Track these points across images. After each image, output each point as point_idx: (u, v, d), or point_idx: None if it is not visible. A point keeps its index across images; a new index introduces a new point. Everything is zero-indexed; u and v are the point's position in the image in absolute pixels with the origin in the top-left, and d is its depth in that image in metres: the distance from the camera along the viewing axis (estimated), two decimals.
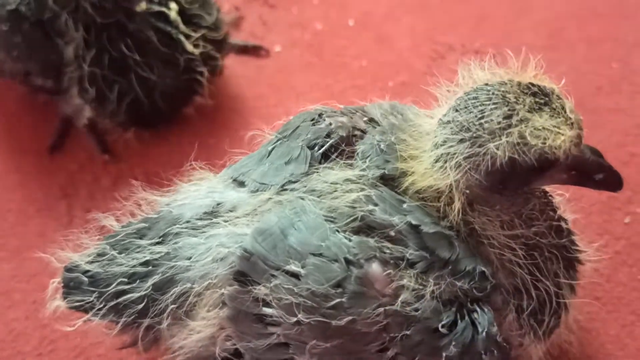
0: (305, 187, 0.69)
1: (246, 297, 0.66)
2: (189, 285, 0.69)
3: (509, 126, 0.61)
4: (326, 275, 0.63)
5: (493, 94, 0.64)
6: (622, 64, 1.09)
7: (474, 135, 0.62)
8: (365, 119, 0.74)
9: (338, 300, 0.63)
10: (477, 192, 0.65)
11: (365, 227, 0.65)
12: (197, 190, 0.74)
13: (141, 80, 0.91)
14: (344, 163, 0.70)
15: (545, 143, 0.61)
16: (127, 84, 0.92)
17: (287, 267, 0.64)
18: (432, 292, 0.64)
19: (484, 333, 0.64)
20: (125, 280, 0.71)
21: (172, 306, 0.70)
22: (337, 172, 0.69)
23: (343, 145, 0.71)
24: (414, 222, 0.65)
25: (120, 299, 0.71)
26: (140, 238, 0.73)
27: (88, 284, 0.73)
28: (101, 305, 0.72)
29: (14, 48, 0.93)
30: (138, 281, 0.71)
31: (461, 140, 0.63)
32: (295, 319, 0.64)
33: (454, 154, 0.63)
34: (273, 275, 0.65)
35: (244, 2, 1.20)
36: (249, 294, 0.66)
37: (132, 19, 0.90)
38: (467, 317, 0.65)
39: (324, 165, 0.70)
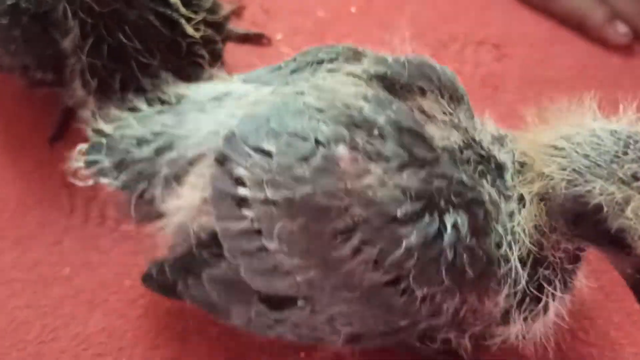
0: (305, 84, 0.72)
1: (226, 177, 0.69)
2: (182, 151, 0.74)
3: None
4: (295, 150, 0.66)
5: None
6: None
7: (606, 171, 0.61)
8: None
9: (301, 172, 0.65)
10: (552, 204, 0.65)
11: (350, 123, 0.67)
12: (213, 82, 0.82)
13: (143, 67, 0.91)
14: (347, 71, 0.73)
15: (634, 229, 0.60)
16: (130, 73, 0.91)
17: (262, 145, 0.67)
18: (399, 185, 0.64)
19: (453, 232, 0.64)
20: (134, 142, 0.77)
21: (165, 170, 0.74)
22: (342, 70, 0.72)
23: (352, 59, 0.75)
24: (394, 118, 0.67)
25: (125, 157, 0.77)
26: (159, 114, 0.80)
27: (103, 144, 0.80)
28: (105, 163, 0.79)
29: (11, 42, 0.92)
30: (144, 145, 0.77)
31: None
32: (264, 196, 0.66)
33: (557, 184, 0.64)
34: (249, 155, 0.67)
35: None
36: (229, 174, 0.69)
37: (130, 5, 0.89)
38: (436, 216, 0.65)
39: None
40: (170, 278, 0.77)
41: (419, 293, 0.66)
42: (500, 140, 0.73)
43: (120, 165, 0.78)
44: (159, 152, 0.76)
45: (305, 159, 0.65)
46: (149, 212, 0.77)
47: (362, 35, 1.13)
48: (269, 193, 0.66)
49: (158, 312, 0.86)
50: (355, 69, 0.72)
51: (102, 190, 0.94)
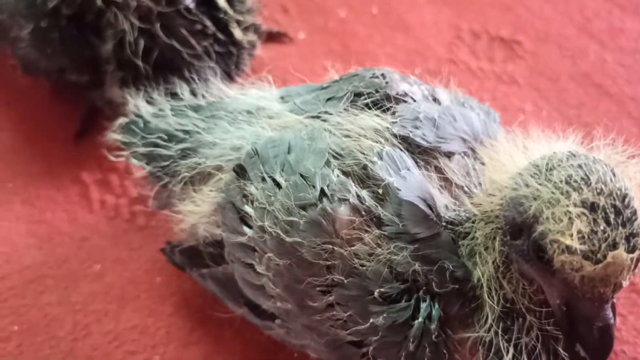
0: (335, 121, 0.71)
1: (237, 190, 0.70)
2: (204, 159, 0.76)
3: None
4: (299, 194, 0.66)
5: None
6: None
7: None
8: (431, 96, 0.74)
9: (296, 219, 0.65)
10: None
11: (363, 176, 0.66)
12: (252, 92, 0.82)
13: (193, 71, 0.91)
14: (375, 114, 0.71)
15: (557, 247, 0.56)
16: (179, 76, 0.90)
17: (275, 176, 0.68)
18: (387, 259, 0.63)
19: (422, 324, 0.62)
20: (165, 137, 0.80)
21: (186, 173, 0.77)
22: (368, 118, 0.71)
23: (385, 102, 0.72)
24: (395, 185, 0.65)
25: (154, 149, 0.80)
26: (195, 111, 0.82)
27: (140, 127, 0.83)
28: (139, 149, 0.82)
29: (49, 45, 0.92)
30: (174, 142, 0.79)
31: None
32: (261, 224, 0.67)
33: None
34: (263, 179, 0.68)
35: None
36: (240, 189, 0.70)
37: (180, 13, 0.89)
38: (412, 303, 0.63)
39: (363, 111, 0.72)
40: (179, 262, 0.82)
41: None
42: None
43: (149, 156, 0.81)
44: (184, 154, 0.78)
45: (304, 207, 0.65)
46: (167, 203, 0.81)
47: (383, 35, 1.14)
48: (267, 223, 0.67)
49: (190, 310, 0.86)
50: (381, 123, 0.70)
51: (131, 188, 0.96)
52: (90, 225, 0.93)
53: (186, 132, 0.80)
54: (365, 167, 0.66)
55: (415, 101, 0.73)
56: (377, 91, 0.73)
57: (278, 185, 0.67)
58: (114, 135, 0.85)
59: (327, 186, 0.65)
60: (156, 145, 0.80)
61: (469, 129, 0.71)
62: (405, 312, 0.63)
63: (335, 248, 0.64)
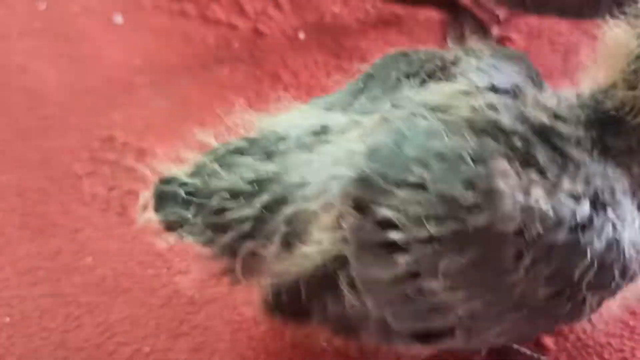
0: (416, 102, 0.64)
1: (368, 224, 0.60)
2: (304, 204, 0.63)
3: None
4: (455, 176, 0.58)
5: None
6: None
7: None
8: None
9: (472, 200, 0.58)
10: None
11: (488, 134, 0.61)
12: (300, 112, 0.69)
13: None
14: (445, 83, 0.66)
15: None
16: None
17: (411, 179, 0.59)
18: (565, 189, 0.60)
19: (626, 230, 0.61)
20: (228, 196, 0.65)
21: (284, 228, 0.64)
22: (446, 86, 0.65)
23: (439, 73, 0.67)
24: (545, 122, 0.62)
25: (221, 216, 0.66)
26: (244, 155, 0.67)
27: (185, 196, 0.67)
28: (198, 221, 0.66)
29: None
30: (243, 199, 0.65)
31: None
32: (425, 234, 0.59)
33: None
34: (395, 193, 0.59)
35: None
36: (371, 219, 0.60)
37: None
38: (603, 213, 0.61)
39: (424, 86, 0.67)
40: (305, 296, 0.65)
41: (588, 298, 0.62)
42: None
43: (216, 227, 0.66)
44: (270, 207, 0.64)
45: (470, 183, 0.58)
46: (254, 270, 0.67)
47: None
48: (432, 229, 0.59)
49: (181, 301, 0.87)
50: (467, 88, 0.65)
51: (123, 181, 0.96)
52: (82, 218, 0.94)
53: (253, 182, 0.66)
54: (484, 127, 0.61)
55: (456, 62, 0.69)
56: (422, 67, 0.68)
57: (419, 185, 0.59)
58: (149, 216, 0.70)
59: (472, 152, 0.59)
60: (221, 210, 0.66)
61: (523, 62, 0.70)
62: (607, 224, 0.61)
63: (521, 204, 0.59)
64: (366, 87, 0.69)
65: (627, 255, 0.61)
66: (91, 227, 0.93)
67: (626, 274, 0.62)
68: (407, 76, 0.67)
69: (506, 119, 0.61)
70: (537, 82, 0.68)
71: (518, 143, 0.61)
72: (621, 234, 0.61)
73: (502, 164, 0.59)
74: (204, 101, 1.06)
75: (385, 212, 0.60)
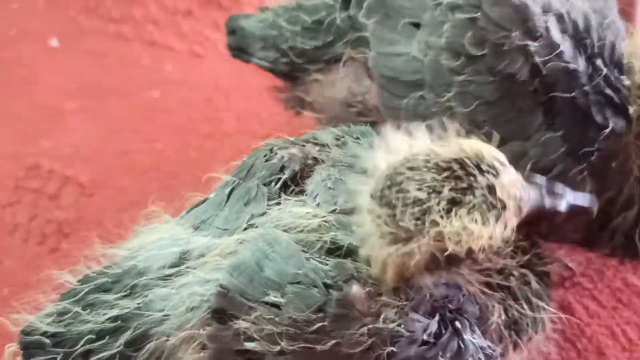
0: (270, 224, 0.68)
1: (226, 334, 0.64)
2: (164, 338, 0.66)
3: (422, 229, 0.58)
4: (306, 301, 0.62)
5: (407, 184, 0.59)
6: None
7: (393, 233, 0.59)
8: (317, 148, 0.73)
9: (320, 324, 0.61)
10: None
11: (335, 250, 0.64)
12: (160, 239, 0.71)
13: None
14: (296, 201, 0.69)
15: (462, 247, 0.58)
16: None
17: (267, 299, 0.63)
18: (410, 306, 0.62)
19: (469, 340, 0.64)
20: (94, 337, 0.67)
21: None
22: (293, 208, 0.68)
23: (298, 178, 0.71)
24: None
25: (88, 359, 0.67)
26: (105, 292, 0.69)
27: (52, 345, 0.68)
28: None
29: None
30: (107, 338, 0.67)
31: (384, 235, 0.60)
32: (278, 348, 0.63)
33: (386, 249, 0.60)
34: (252, 308, 0.63)
35: (199, 5, 1.19)
36: (230, 330, 0.64)
37: None
38: (450, 327, 0.63)
39: (282, 198, 0.69)
40: None
41: None
42: None
43: None
44: (132, 343, 0.66)
45: (319, 310, 0.61)
46: None
47: None
48: (285, 345, 0.62)
49: None
50: (314, 211, 0.68)
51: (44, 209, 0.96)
52: (2, 248, 0.94)
53: (116, 319, 0.67)
54: (333, 242, 0.64)
55: (320, 161, 0.72)
56: (281, 171, 0.71)
57: (274, 305, 0.63)
58: None
59: (325, 277, 0.62)
60: (88, 352, 0.67)
61: None
62: (453, 338, 0.63)
63: (369, 327, 0.61)
64: (229, 198, 0.72)
65: None
66: (11, 258, 0.93)
67: None
68: (268, 183, 0.71)
69: (342, 235, 0.64)
70: None
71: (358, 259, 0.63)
72: (463, 345, 0.64)
73: (357, 290, 0.62)
74: (133, 127, 1.06)
75: (243, 325, 0.63)
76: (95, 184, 1.00)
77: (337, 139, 0.73)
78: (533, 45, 0.68)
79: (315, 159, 0.72)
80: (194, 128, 1.06)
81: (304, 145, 0.73)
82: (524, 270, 0.68)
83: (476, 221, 0.58)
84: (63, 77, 1.12)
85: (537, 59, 0.68)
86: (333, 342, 0.61)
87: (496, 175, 0.59)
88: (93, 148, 1.04)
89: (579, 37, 0.69)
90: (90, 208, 0.97)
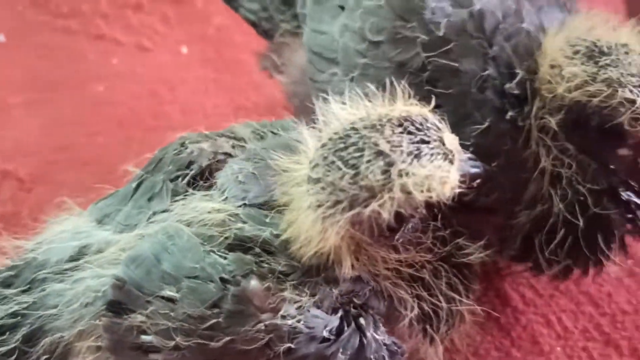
0: (172, 219, 0.66)
1: (121, 327, 0.62)
2: (59, 334, 0.65)
3: (389, 182, 0.57)
4: (201, 296, 0.60)
5: (364, 143, 0.58)
6: None
7: (352, 196, 0.57)
8: (231, 141, 0.71)
9: (215, 320, 0.60)
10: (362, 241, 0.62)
11: (239, 244, 0.63)
12: (62, 232, 0.70)
13: None
14: (203, 195, 0.67)
15: (431, 193, 0.57)
16: None
17: (162, 293, 0.61)
18: (313, 301, 0.61)
19: (372, 337, 0.62)
20: None
21: (44, 357, 0.65)
22: (198, 203, 0.66)
23: (206, 174, 0.68)
24: (275, 232, 0.62)
25: None
26: (7, 287, 0.68)
27: None
28: None
29: None
30: (7, 333, 0.66)
31: (337, 202, 0.58)
32: (173, 343, 0.61)
33: (334, 218, 0.58)
34: (148, 302, 0.61)
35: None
36: (124, 323, 0.62)
37: None
38: (353, 323, 0.62)
39: (188, 193, 0.67)
40: None
41: None
42: None
43: None
44: (29, 339, 0.65)
45: (214, 305, 0.60)
46: None
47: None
48: (180, 340, 0.61)
49: None
50: (213, 205, 0.66)
51: None
52: None
53: (14, 314, 0.66)
54: (236, 236, 0.63)
55: (231, 155, 0.70)
56: (188, 166, 0.69)
57: (170, 299, 0.61)
58: None
59: (223, 271, 0.61)
60: None
61: None
62: (355, 335, 0.62)
63: (266, 324, 0.60)
64: (136, 192, 0.70)
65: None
66: None
67: None
68: (174, 179, 0.69)
69: (250, 228, 0.63)
70: None
71: (264, 248, 0.62)
72: (366, 342, 0.62)
73: (255, 285, 0.60)
74: (76, 120, 1.05)
75: (138, 318, 0.62)
76: (35, 178, 0.99)
77: (256, 133, 0.72)
78: (423, 39, 0.69)
79: (227, 154, 0.70)
80: (137, 121, 1.05)
81: (216, 140, 0.71)
82: (438, 262, 0.66)
83: (439, 167, 0.57)
84: (9, 72, 1.11)
85: (424, 53, 0.69)
86: (227, 338, 0.60)
87: (440, 130, 0.59)
88: (34, 142, 1.02)
89: (476, 36, 0.69)
90: (27, 203, 0.96)
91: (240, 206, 0.65)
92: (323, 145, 0.60)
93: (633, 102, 0.64)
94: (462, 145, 0.61)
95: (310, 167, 0.60)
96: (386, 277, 0.64)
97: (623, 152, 0.68)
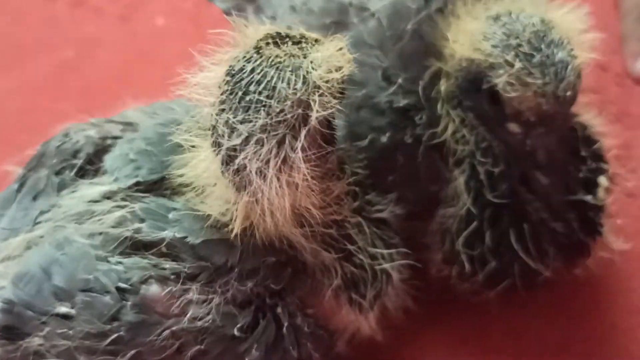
0: (60, 215, 0.62)
1: (18, 354, 0.59)
2: None
3: (310, 82, 0.54)
4: (98, 311, 0.57)
5: (260, 71, 0.55)
6: None
7: (287, 121, 0.54)
8: (120, 126, 0.68)
9: (116, 335, 0.57)
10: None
11: (136, 248, 0.59)
12: None
13: None
14: (90, 182, 0.63)
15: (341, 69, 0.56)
16: None
17: (57, 310, 0.58)
18: (223, 299, 0.59)
19: (290, 327, 0.60)
20: None
21: None
22: (86, 191, 0.62)
23: (96, 161, 0.65)
24: (179, 235, 0.59)
25: None
26: None
27: None
28: None
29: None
30: None
31: (274, 138, 0.54)
32: None
33: (277, 161, 0.54)
34: (43, 323, 0.58)
35: None
36: (20, 349, 0.58)
37: None
38: (268, 314, 0.60)
39: (76, 183, 0.64)
40: None
41: None
42: None
43: None
44: None
45: (114, 318, 0.57)
46: None
47: None
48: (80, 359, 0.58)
49: None
50: (102, 189, 0.63)
51: None
52: None
53: None
54: (132, 239, 0.59)
55: (116, 137, 0.66)
56: (74, 156, 0.65)
57: (66, 317, 0.58)
58: None
59: (119, 280, 0.58)
60: None
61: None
62: (270, 327, 0.60)
63: (173, 329, 0.57)
64: (19, 192, 0.66)
65: (295, 353, 0.61)
66: None
67: None
68: (60, 171, 0.65)
69: (148, 228, 0.59)
70: None
71: (165, 251, 0.59)
72: (283, 334, 0.60)
73: (155, 290, 0.57)
74: (45, 85, 1.02)
75: (35, 342, 0.58)
76: None
77: (147, 113, 0.68)
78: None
79: (116, 137, 0.66)
80: (103, 89, 1.02)
81: (103, 126, 0.67)
82: (357, 219, 0.63)
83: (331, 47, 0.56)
84: None
85: None
86: (133, 351, 0.57)
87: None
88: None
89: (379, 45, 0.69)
90: None
91: (133, 185, 0.61)
92: (222, 102, 0.56)
93: (512, 65, 0.60)
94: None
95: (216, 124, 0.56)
96: (309, 248, 0.61)
97: (513, 128, 0.64)
